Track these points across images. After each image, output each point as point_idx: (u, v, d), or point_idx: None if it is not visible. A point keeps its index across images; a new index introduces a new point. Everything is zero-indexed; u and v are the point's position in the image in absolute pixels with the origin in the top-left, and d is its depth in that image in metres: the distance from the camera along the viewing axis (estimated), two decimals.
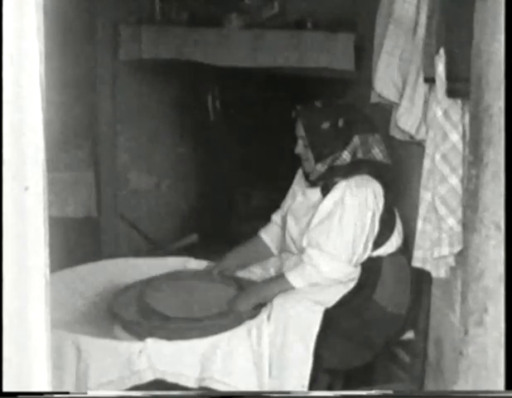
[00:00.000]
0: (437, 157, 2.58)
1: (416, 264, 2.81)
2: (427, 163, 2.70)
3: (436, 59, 2.55)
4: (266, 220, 3.44)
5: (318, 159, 3.10)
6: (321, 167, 3.10)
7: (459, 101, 2.54)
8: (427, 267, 2.76)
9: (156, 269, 3.39)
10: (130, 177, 4.95)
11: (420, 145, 2.93)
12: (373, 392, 2.32)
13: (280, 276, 3.09)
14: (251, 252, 3.39)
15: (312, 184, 3.15)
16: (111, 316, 3.00)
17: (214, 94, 4.97)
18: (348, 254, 3.00)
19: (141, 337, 2.81)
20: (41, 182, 1.57)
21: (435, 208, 2.62)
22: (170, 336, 2.81)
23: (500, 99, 1.98)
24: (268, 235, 3.39)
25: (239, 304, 3.00)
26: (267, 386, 2.90)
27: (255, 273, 3.33)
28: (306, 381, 2.90)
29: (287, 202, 3.32)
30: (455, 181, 2.56)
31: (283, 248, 3.29)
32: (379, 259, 3.07)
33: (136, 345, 2.77)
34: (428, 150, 2.69)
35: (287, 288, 3.01)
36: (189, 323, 2.89)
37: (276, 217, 3.39)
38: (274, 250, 3.39)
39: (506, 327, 1.97)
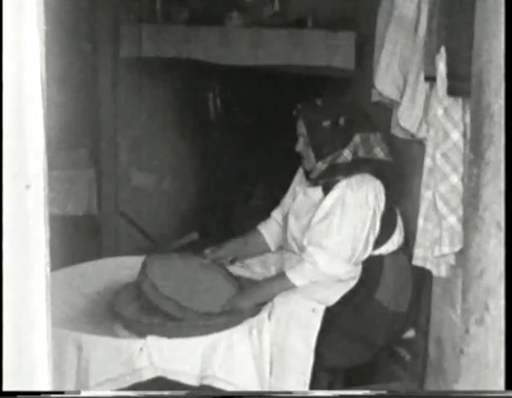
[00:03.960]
0: (438, 155, 2.58)
1: (416, 262, 2.81)
2: (427, 162, 2.69)
3: (437, 57, 2.55)
4: (266, 218, 3.44)
5: (319, 157, 3.10)
6: (321, 166, 3.10)
7: (460, 100, 2.54)
8: (428, 265, 2.76)
9: None
10: (131, 176, 4.95)
11: (421, 144, 2.93)
12: (373, 391, 2.32)
13: (281, 275, 3.09)
14: (248, 245, 3.40)
15: (313, 183, 3.16)
16: (112, 314, 3.00)
17: (215, 92, 4.97)
18: (348, 253, 3.00)
19: (142, 334, 2.82)
20: (41, 180, 1.57)
21: (436, 207, 2.61)
22: (171, 334, 2.81)
23: (501, 97, 1.98)
24: (267, 230, 3.40)
25: (240, 303, 3.01)
26: (267, 385, 2.90)
27: (256, 271, 3.34)
28: (307, 380, 2.90)
29: (287, 201, 3.32)
30: (455, 179, 2.56)
31: (285, 247, 3.29)
32: (381, 257, 3.08)
33: (137, 343, 2.77)
34: (429, 149, 2.68)
35: (288, 286, 3.01)
36: (190, 321, 2.90)
37: (275, 214, 3.39)
38: (272, 246, 3.39)
39: (507, 325, 1.97)
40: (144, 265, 3.04)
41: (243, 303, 3.00)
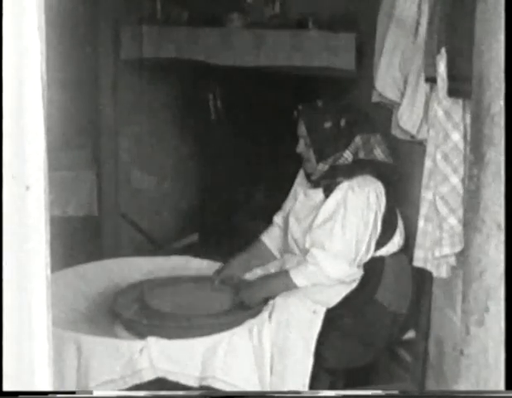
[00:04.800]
0: (438, 156, 2.58)
1: (417, 263, 2.81)
2: (428, 163, 2.69)
3: (437, 58, 2.55)
4: (267, 219, 3.43)
5: (320, 159, 3.10)
6: (322, 167, 3.10)
7: (460, 101, 2.54)
8: (428, 266, 2.76)
9: (158, 268, 3.39)
10: (131, 176, 4.95)
11: (421, 145, 2.93)
12: (374, 392, 2.32)
13: (284, 273, 3.08)
14: (253, 258, 3.37)
15: (314, 185, 3.15)
16: (112, 315, 3.00)
17: (216, 93, 4.97)
18: (351, 255, 2.99)
19: (142, 335, 2.82)
20: (41, 181, 1.57)
21: (436, 208, 2.61)
22: (171, 335, 2.81)
23: (501, 98, 1.98)
24: (270, 239, 3.38)
25: (244, 297, 3.01)
26: (268, 385, 2.90)
27: (256, 273, 3.33)
28: (307, 380, 2.90)
29: (289, 203, 3.32)
30: (456, 180, 2.56)
31: (285, 249, 3.29)
32: (381, 258, 3.07)
33: (137, 344, 2.77)
34: (429, 150, 2.68)
35: (290, 286, 3.01)
36: (190, 322, 2.89)
37: (277, 219, 3.38)
38: (276, 254, 3.37)
39: (507, 326, 1.97)
40: (141, 295, 3.05)
41: (246, 296, 3.01)
